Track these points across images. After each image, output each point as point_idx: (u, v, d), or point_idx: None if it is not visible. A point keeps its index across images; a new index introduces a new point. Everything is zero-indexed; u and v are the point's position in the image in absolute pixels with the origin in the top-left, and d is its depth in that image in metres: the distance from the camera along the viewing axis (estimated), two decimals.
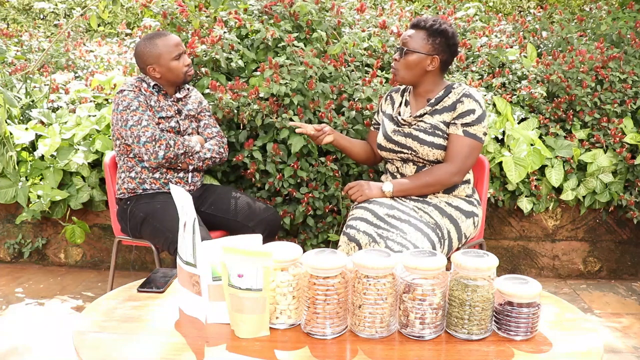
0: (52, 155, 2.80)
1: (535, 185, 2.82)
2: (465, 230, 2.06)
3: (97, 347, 1.20)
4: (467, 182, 2.12)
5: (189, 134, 2.34)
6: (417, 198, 2.05)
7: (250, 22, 2.87)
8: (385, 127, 2.15)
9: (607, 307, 2.68)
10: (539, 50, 3.40)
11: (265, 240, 1.54)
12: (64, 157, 2.78)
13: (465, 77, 3.03)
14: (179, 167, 2.29)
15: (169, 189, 2.27)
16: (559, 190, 2.89)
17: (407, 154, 2.07)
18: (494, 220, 3.00)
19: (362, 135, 2.63)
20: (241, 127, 2.68)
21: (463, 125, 1.99)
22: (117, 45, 3.94)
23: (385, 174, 2.22)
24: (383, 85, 2.69)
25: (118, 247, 2.40)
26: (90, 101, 3.03)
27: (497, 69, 3.13)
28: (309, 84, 2.58)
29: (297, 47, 2.67)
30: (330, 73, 2.73)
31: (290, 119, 2.55)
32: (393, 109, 2.19)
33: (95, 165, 2.86)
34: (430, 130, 2.02)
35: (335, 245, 2.60)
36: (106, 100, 3.05)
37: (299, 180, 2.65)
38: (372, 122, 2.32)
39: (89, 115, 2.90)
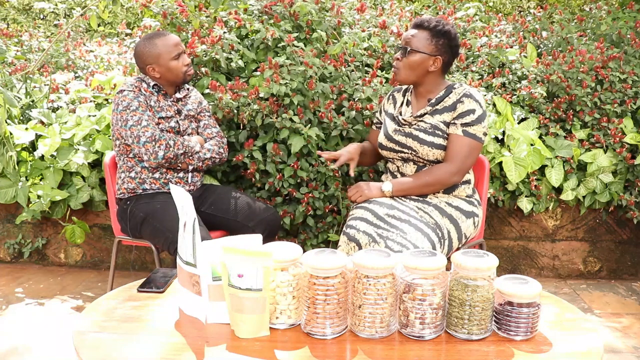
0: (52, 155, 2.80)
1: (535, 185, 2.82)
2: (465, 230, 2.06)
3: (97, 347, 1.20)
4: (468, 182, 2.12)
5: (188, 134, 2.34)
6: (417, 198, 2.05)
7: (250, 22, 2.87)
8: (387, 126, 2.15)
9: (607, 307, 2.68)
10: (539, 50, 3.40)
11: (265, 240, 1.54)
12: (64, 157, 2.78)
13: (465, 77, 3.02)
14: (178, 167, 2.29)
15: (168, 189, 2.27)
16: (559, 190, 2.89)
17: (408, 153, 2.07)
18: (494, 220, 3.00)
19: (362, 135, 2.63)
20: (241, 127, 2.68)
21: (463, 125, 1.99)
22: (117, 45, 3.94)
23: (385, 174, 2.22)
24: (383, 85, 2.69)
25: (118, 247, 2.40)
26: (90, 101, 3.03)
27: (497, 69, 3.13)
28: (309, 84, 2.58)
29: (297, 47, 2.67)
30: (330, 73, 2.73)
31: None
32: (395, 109, 2.19)
33: (95, 165, 2.86)
34: (430, 130, 2.02)
35: (335, 245, 2.60)
36: (106, 100, 3.05)
37: (299, 180, 2.65)
38: (374, 121, 2.32)
39: (89, 115, 2.90)
